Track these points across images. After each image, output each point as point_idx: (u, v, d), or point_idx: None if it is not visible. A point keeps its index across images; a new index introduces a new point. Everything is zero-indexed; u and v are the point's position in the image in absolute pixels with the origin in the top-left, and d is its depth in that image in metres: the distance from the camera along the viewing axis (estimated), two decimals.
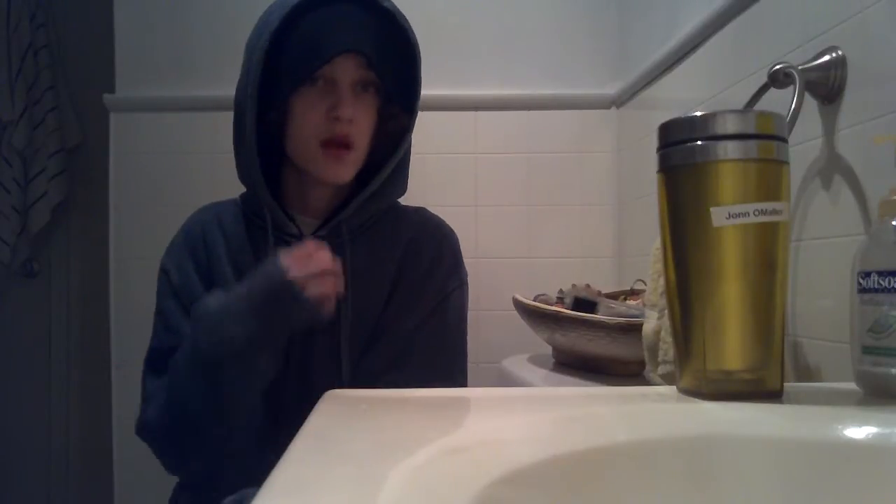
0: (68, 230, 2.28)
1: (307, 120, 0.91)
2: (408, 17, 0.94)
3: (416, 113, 0.97)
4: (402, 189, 1.04)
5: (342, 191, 1.00)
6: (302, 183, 0.98)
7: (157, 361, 0.95)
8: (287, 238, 0.96)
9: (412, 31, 0.94)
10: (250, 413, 0.89)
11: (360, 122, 0.92)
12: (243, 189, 1.02)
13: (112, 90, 1.73)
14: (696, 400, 0.54)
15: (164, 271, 1.00)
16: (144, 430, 0.94)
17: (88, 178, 2.18)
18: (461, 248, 1.05)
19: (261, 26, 0.92)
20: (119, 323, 1.71)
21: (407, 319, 0.96)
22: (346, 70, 0.90)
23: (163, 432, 0.91)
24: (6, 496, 2.23)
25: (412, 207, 1.06)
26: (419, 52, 0.95)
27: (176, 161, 1.72)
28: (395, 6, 0.93)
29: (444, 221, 1.06)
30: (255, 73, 0.89)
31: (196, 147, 1.71)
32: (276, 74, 0.90)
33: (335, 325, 0.93)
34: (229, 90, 0.98)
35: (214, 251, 0.97)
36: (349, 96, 0.90)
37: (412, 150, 1.02)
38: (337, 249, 0.95)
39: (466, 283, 1.03)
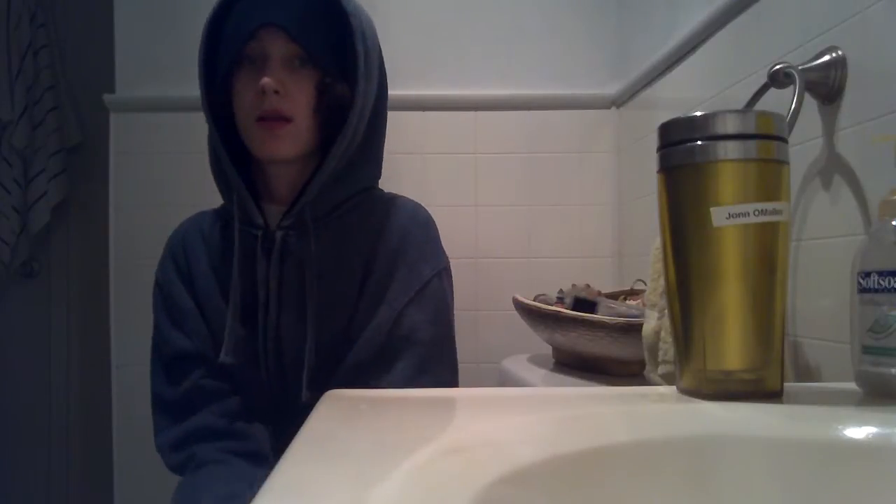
0: (68, 230, 2.28)
1: (242, 98, 0.90)
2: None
3: (362, 85, 0.91)
4: (373, 172, 0.99)
5: (304, 175, 0.95)
6: (264, 170, 0.96)
7: (158, 364, 0.98)
8: (254, 231, 0.94)
9: (346, 2, 0.90)
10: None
11: (293, 96, 0.89)
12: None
13: (112, 90, 1.73)
14: (696, 400, 0.54)
15: (156, 283, 1.01)
16: (161, 451, 0.95)
17: (88, 178, 2.18)
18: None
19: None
20: (119, 323, 1.71)
21: (381, 315, 0.92)
22: (273, 45, 0.88)
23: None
24: (7, 496, 2.22)
25: (389, 194, 1.00)
26: (358, 23, 0.91)
27: (176, 161, 1.72)
28: None
29: (419, 206, 1.00)
30: (199, 63, 0.93)
31: (196, 147, 1.68)
32: (218, 62, 0.92)
33: (301, 327, 0.92)
34: None
35: (195, 258, 0.98)
36: (275, 69, 0.88)
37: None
38: (301, 241, 0.92)
39: (447, 270, 0.98)
